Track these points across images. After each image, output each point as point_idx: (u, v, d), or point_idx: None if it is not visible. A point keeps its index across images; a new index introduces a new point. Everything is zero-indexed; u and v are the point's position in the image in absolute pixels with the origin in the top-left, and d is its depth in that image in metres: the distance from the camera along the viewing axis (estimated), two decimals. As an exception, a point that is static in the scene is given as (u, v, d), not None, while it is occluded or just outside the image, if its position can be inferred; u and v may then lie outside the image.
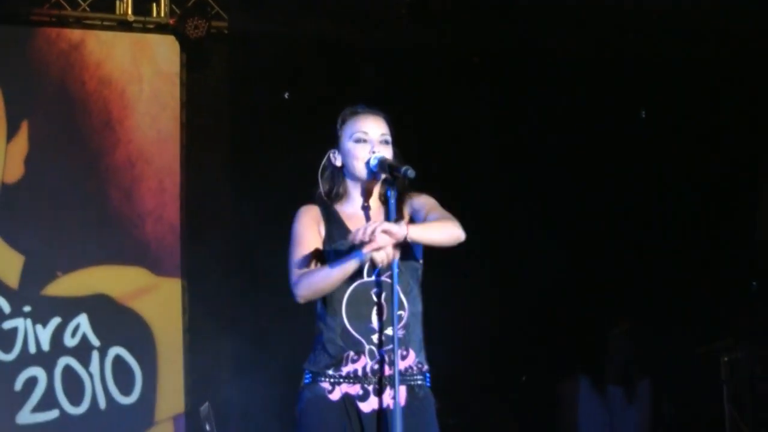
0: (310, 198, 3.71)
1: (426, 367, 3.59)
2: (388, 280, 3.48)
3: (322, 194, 3.67)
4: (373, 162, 3.53)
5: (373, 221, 3.48)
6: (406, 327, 3.52)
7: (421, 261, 3.65)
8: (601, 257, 7.55)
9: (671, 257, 7.68)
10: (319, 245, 3.58)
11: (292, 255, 3.58)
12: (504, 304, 7.33)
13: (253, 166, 7.14)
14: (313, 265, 3.56)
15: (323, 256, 3.58)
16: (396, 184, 3.46)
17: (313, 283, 3.50)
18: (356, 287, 3.52)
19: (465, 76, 7.52)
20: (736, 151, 7.89)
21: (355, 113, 3.66)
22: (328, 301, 3.54)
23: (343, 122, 3.67)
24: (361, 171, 3.59)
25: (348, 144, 3.62)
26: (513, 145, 7.54)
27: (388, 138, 3.63)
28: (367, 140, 3.59)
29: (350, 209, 3.65)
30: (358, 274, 3.51)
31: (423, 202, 3.64)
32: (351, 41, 7.35)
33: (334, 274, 3.46)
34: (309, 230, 3.59)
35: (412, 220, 3.60)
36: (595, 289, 7.51)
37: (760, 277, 7.82)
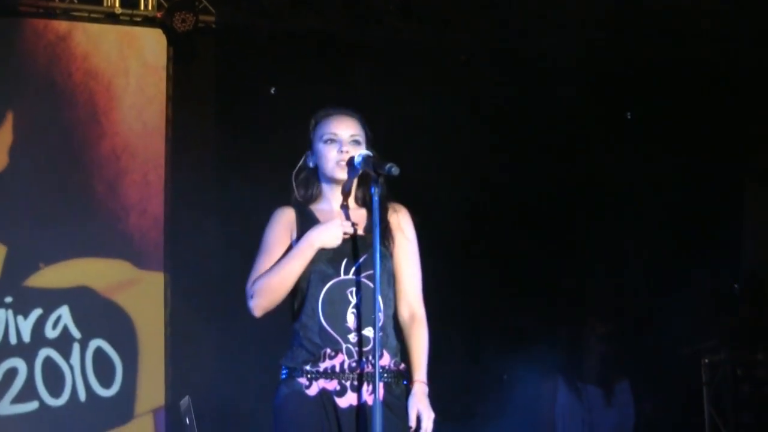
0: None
1: (403, 365, 3.59)
2: (365, 280, 3.49)
3: (297, 197, 3.67)
4: (358, 159, 3.52)
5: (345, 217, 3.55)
6: (383, 329, 3.53)
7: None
8: (582, 257, 7.57)
9: (654, 259, 7.70)
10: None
11: (255, 264, 3.57)
12: (485, 303, 7.35)
13: (238, 160, 7.12)
14: None
15: None
16: (378, 182, 3.45)
17: (267, 282, 3.48)
18: (332, 285, 3.52)
19: (451, 74, 7.52)
20: (722, 154, 7.90)
21: (326, 115, 3.67)
22: (305, 300, 3.53)
23: (315, 124, 3.68)
24: (331, 171, 3.60)
25: (318, 145, 3.64)
26: (497, 144, 7.54)
27: (359, 138, 3.63)
28: (336, 141, 3.60)
29: (326, 207, 3.65)
30: (335, 272, 3.52)
31: (409, 246, 3.64)
32: (339, 37, 7.35)
33: (285, 263, 3.46)
34: (278, 241, 3.58)
35: (387, 237, 3.59)
36: (575, 289, 7.53)
37: (742, 280, 7.84)
